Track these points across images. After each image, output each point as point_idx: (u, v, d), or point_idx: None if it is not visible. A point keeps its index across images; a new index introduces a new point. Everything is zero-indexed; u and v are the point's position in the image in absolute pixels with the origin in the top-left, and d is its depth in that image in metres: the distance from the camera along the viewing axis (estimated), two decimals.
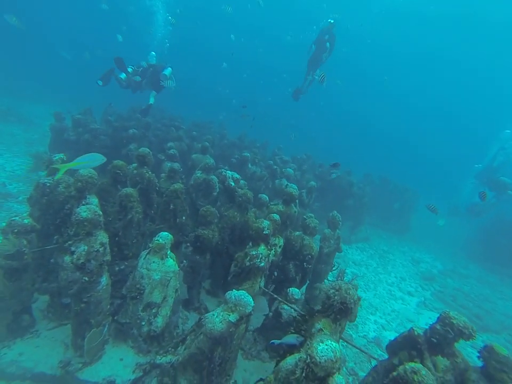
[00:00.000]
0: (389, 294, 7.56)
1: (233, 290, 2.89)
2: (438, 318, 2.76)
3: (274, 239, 4.20)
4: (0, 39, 23.39)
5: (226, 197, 5.19)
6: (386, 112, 35.46)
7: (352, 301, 2.51)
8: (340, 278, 3.39)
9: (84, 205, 3.31)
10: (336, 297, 2.54)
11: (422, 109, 33.66)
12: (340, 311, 2.56)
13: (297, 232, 4.59)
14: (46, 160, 3.99)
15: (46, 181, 3.91)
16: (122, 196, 3.83)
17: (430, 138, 35.49)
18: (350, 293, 2.53)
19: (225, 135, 11.45)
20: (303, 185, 9.02)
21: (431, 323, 2.81)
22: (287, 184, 6.04)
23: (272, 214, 4.22)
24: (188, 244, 4.91)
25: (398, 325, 6.36)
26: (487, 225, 12.87)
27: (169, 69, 9.25)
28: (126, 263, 4.18)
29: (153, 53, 9.13)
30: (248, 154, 7.93)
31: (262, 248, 3.73)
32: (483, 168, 13.93)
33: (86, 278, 2.91)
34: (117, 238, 3.93)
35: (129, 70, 8.67)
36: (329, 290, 2.59)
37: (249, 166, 8.12)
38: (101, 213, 3.04)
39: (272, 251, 3.85)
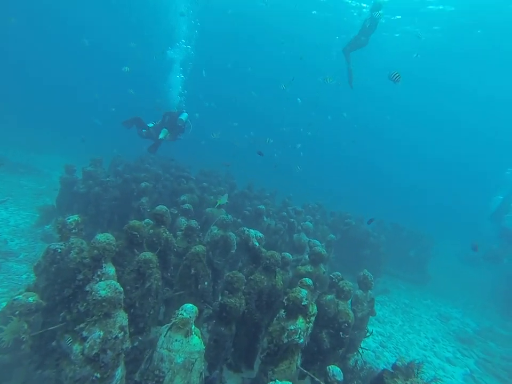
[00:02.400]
0: (424, 361, 6.71)
1: None
2: None
3: (309, 307, 3.72)
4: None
5: (250, 258, 4.78)
6: (393, 156, 36.27)
7: None
8: (413, 370, 2.74)
9: (101, 277, 2.92)
10: None
11: (429, 152, 34.37)
12: None
13: (329, 296, 4.12)
14: (60, 223, 3.66)
15: (57, 246, 3.53)
16: (141, 261, 3.44)
17: (439, 181, 35.89)
18: None
19: (235, 185, 11.32)
20: (318, 237, 8.67)
21: None
22: (309, 240, 5.69)
23: (305, 279, 3.78)
24: (211, 313, 4.39)
25: None
26: None
27: (185, 114, 9.48)
28: (140, 338, 3.65)
29: (186, 113, 9.42)
30: (263, 207, 7.66)
31: (300, 322, 3.24)
32: (496, 210, 13.68)
33: (98, 375, 2.40)
34: (132, 310, 3.45)
35: (150, 125, 8.91)
36: None
37: (265, 219, 7.80)
38: (121, 289, 2.63)
39: (311, 324, 3.35)
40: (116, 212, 7.12)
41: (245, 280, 3.92)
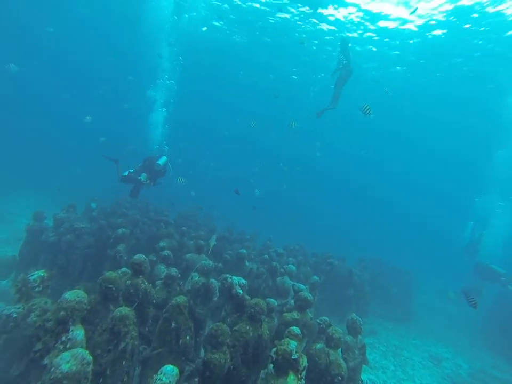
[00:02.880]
0: None
1: None
2: None
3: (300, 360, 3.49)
4: None
5: (233, 306, 4.54)
6: (367, 187, 37.29)
7: None
8: None
9: (65, 344, 2.59)
10: None
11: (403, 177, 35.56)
12: None
13: (319, 345, 3.93)
14: (19, 281, 3.31)
15: (12, 310, 3.09)
16: (116, 319, 3.15)
17: (415, 211, 36.87)
18: None
19: (215, 228, 11.17)
20: (302, 279, 8.50)
21: None
22: (293, 284, 5.55)
23: (292, 328, 3.61)
24: (193, 370, 4.00)
25: None
26: (498, 311, 12.25)
27: (164, 157, 9.48)
28: None
29: (165, 157, 9.46)
30: (245, 251, 7.53)
31: (291, 379, 3.01)
32: (468, 243, 14.16)
33: None
34: (101, 380, 3.05)
35: (131, 170, 8.84)
36: None
37: (246, 263, 7.61)
38: (90, 358, 2.32)
39: (303, 380, 3.12)
40: (89, 261, 6.68)
41: (230, 332, 3.68)
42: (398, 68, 17.65)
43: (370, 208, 37.77)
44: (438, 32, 13.86)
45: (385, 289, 12.56)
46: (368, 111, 6.69)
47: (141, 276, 4.04)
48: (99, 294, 3.61)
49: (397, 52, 16.14)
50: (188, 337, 3.72)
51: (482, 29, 12.84)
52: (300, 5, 13.90)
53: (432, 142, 25.42)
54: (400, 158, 30.55)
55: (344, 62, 9.71)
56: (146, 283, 4.03)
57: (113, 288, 3.51)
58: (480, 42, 13.70)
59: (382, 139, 28.43)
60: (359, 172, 35.69)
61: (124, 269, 4.90)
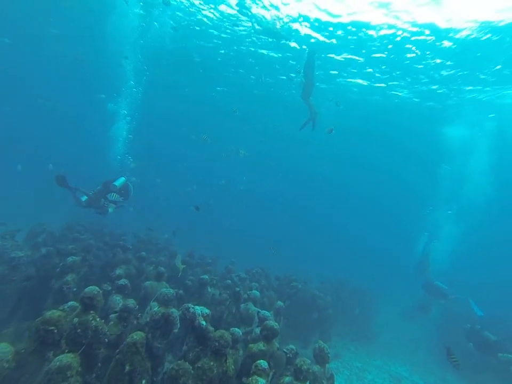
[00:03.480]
0: None
1: None
2: None
3: None
4: None
5: (196, 339, 4.24)
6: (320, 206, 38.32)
7: None
8: None
9: None
10: None
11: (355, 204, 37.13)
12: None
13: (287, 378, 3.77)
14: None
15: None
16: (53, 371, 2.71)
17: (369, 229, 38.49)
18: None
19: (175, 252, 10.64)
20: (266, 304, 8.34)
21: None
22: (258, 311, 5.38)
23: (260, 362, 3.43)
24: None
25: None
26: (443, 327, 13.00)
27: (122, 178, 9.00)
28: None
29: (123, 177, 8.99)
30: (207, 277, 7.25)
31: None
32: (418, 261, 15.08)
33: None
34: None
35: (91, 193, 8.28)
36: None
37: (208, 289, 7.30)
38: None
39: None
40: (26, 296, 5.87)
41: (192, 371, 3.39)
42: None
43: (328, 227, 38.92)
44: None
45: (348, 310, 12.77)
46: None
47: (92, 312, 3.62)
48: (34, 340, 3.11)
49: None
50: (143, 382, 3.35)
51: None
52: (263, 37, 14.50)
53: (380, 159, 27.03)
54: (353, 177, 32.11)
55: (302, 73, 10.34)
56: (98, 319, 3.61)
57: (55, 331, 3.06)
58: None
59: (331, 158, 29.76)
60: (314, 190, 36.84)
61: (71, 303, 4.39)
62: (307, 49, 11.81)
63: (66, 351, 2.98)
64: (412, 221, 29.11)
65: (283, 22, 12.53)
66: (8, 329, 5.32)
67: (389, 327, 13.65)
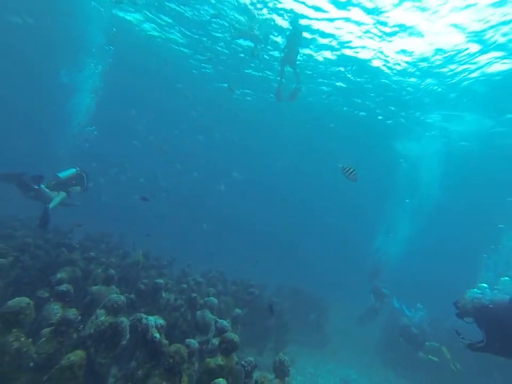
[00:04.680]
0: None
1: None
2: None
3: None
4: None
5: (147, 353, 3.81)
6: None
7: None
8: None
9: None
10: None
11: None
12: None
13: None
14: None
15: None
16: None
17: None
18: None
19: (129, 253, 9.87)
20: (222, 310, 8.04)
21: None
22: (216, 321, 5.07)
23: (218, 381, 3.14)
24: None
25: None
26: (386, 330, 13.81)
27: (72, 169, 8.22)
28: None
29: (73, 169, 8.16)
30: (162, 281, 6.73)
31: None
32: (371, 270, 15.94)
33: None
34: None
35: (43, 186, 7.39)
36: None
37: (163, 294, 6.80)
38: None
39: None
40: None
41: None
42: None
43: (277, 235, 38.89)
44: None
45: (304, 316, 12.92)
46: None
47: (15, 330, 3.01)
48: None
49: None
50: None
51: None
52: None
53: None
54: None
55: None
56: (23, 339, 3.01)
57: None
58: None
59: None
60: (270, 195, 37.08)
61: None
62: (291, 16, 11.89)
63: None
64: (366, 222, 30.18)
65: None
66: None
67: (341, 332, 14.12)
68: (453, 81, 13.64)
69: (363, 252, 22.61)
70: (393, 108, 17.34)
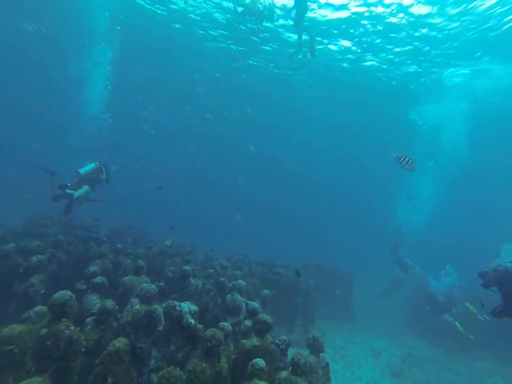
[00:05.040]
0: None
1: None
2: None
3: None
4: None
5: (184, 339, 3.94)
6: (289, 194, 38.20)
7: None
8: None
9: None
10: None
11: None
12: None
13: (284, 373, 3.60)
14: None
15: None
16: None
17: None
18: None
19: (153, 243, 10.13)
20: (250, 292, 8.17)
21: None
22: (247, 304, 5.16)
23: (256, 361, 3.21)
24: None
25: None
26: (412, 299, 13.78)
27: (91, 164, 8.40)
28: None
29: (92, 163, 8.31)
30: (189, 268, 6.87)
31: None
32: (393, 245, 15.70)
33: None
34: None
35: (68, 185, 7.74)
36: None
37: (191, 280, 6.96)
38: None
39: None
40: None
41: (184, 377, 3.10)
42: None
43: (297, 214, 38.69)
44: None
45: (329, 292, 13.03)
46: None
47: (64, 320, 3.18)
48: None
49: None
50: None
51: None
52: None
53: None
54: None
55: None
56: (72, 327, 3.19)
57: (15, 350, 2.60)
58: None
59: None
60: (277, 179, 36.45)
61: (38, 309, 3.90)
62: None
63: (33, 370, 2.54)
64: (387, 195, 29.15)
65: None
66: None
67: (367, 306, 14.23)
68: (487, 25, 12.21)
69: (385, 223, 22.25)
70: (413, 68, 16.18)
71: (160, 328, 4.82)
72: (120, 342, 3.07)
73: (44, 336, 2.97)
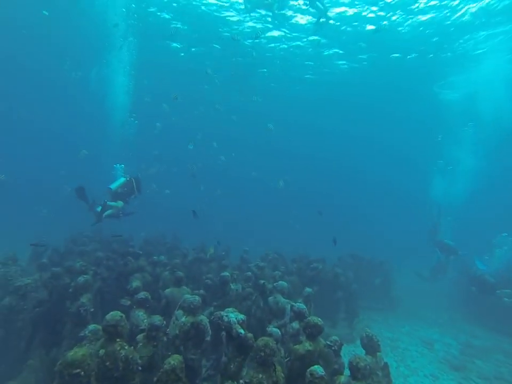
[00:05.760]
0: None
1: None
2: None
3: None
4: None
5: (235, 349, 3.87)
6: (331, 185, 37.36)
7: None
8: None
9: None
10: None
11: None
12: None
13: (342, 378, 3.43)
14: None
15: None
16: None
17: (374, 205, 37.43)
18: None
19: (187, 251, 10.23)
20: (291, 292, 8.01)
21: None
22: (292, 305, 5.03)
23: (315, 369, 3.06)
24: None
25: None
26: (462, 284, 13.01)
27: (122, 179, 8.64)
28: None
29: (122, 165, 8.60)
30: (228, 274, 6.85)
31: None
32: (429, 229, 14.84)
33: None
34: None
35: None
36: None
37: (231, 286, 6.93)
38: None
39: None
40: (41, 322, 5.46)
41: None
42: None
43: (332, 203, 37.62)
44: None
45: (369, 282, 12.63)
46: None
47: (118, 340, 3.21)
48: None
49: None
50: None
51: None
52: None
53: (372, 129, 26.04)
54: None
55: None
56: (126, 347, 3.21)
57: (81, 373, 2.64)
58: None
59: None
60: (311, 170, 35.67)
61: (92, 328, 3.99)
62: None
63: None
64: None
65: None
66: (32, 361, 4.97)
67: (410, 293, 13.71)
68: None
69: (420, 204, 21.14)
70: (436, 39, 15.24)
71: (208, 338, 4.82)
72: (175, 359, 3.04)
73: (103, 356, 3.01)
